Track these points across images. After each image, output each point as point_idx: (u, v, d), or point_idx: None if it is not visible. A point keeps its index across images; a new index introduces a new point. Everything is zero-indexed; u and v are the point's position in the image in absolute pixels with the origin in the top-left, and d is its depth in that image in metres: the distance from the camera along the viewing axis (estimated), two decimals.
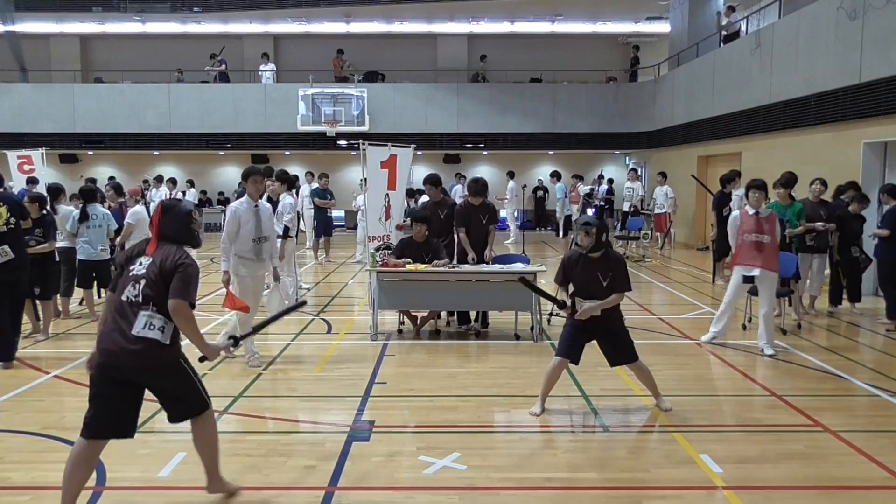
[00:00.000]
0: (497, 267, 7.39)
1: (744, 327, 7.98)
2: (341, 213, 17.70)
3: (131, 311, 3.35)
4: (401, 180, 8.41)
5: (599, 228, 4.91)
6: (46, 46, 23.18)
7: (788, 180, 8.98)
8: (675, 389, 5.67)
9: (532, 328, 7.44)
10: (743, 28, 15.42)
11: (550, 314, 8.16)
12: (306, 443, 4.62)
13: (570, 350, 5.04)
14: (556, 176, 18.04)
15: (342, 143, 19.72)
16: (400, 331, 7.81)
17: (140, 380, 3.41)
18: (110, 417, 3.37)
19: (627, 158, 22.68)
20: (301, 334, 7.78)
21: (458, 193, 16.53)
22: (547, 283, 10.14)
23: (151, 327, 3.33)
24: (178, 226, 3.51)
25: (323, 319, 8.57)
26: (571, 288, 5.08)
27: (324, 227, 14.30)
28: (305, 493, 3.88)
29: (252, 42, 23.20)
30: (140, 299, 3.34)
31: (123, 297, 3.38)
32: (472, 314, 7.89)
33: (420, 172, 19.78)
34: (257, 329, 4.20)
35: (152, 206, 15.04)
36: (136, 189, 9.72)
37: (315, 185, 14.36)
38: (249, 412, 5.22)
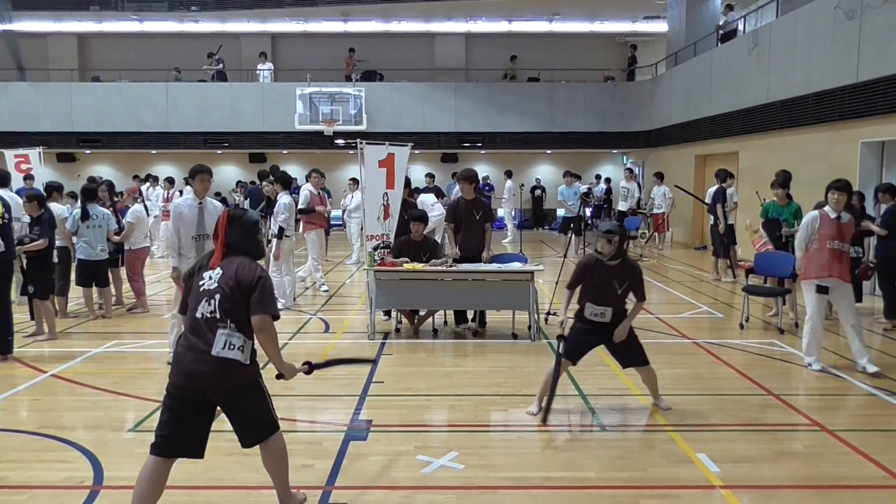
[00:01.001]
0: (494, 266, 7.39)
1: (741, 326, 7.99)
2: (339, 213, 17.66)
3: (208, 328, 3.19)
4: (399, 179, 8.40)
5: (622, 237, 4.90)
6: (44, 45, 23.13)
7: (785, 179, 8.98)
8: (672, 389, 5.68)
9: (529, 327, 7.44)
10: (740, 27, 15.43)
11: (548, 313, 8.16)
12: (304, 442, 4.61)
13: (575, 352, 5.02)
14: (571, 175, 17.99)
15: (340, 142, 19.72)
16: (398, 330, 7.81)
17: (219, 399, 3.29)
18: (184, 437, 3.26)
19: (625, 158, 22.69)
20: (298, 333, 7.78)
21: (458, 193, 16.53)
22: (544, 281, 10.17)
23: (231, 347, 3.19)
24: (245, 236, 3.35)
25: (320, 318, 8.56)
26: (576, 296, 5.09)
27: None
28: (302, 493, 3.87)
29: (250, 41, 23.17)
30: (217, 315, 3.19)
31: (198, 315, 3.22)
32: (470, 313, 7.89)
33: (418, 172, 19.84)
34: (333, 363, 4.03)
35: (149, 204, 15.05)
36: (135, 188, 9.72)
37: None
38: None
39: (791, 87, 11.94)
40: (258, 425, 3.37)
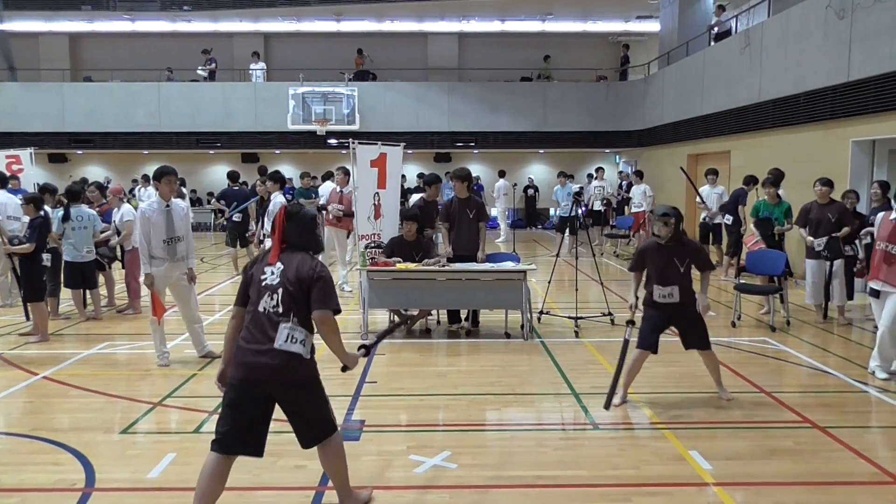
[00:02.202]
0: (487, 266, 7.39)
1: (733, 324, 8.02)
2: None
3: (270, 323, 3.23)
4: (392, 179, 8.39)
5: (678, 218, 5.10)
6: (35, 45, 23.01)
7: (776, 178, 9.02)
8: (664, 387, 5.70)
9: (522, 326, 7.45)
10: (732, 27, 15.48)
11: (541, 312, 8.18)
12: (296, 442, 4.58)
13: (652, 341, 5.18)
14: (565, 176, 18.04)
15: (332, 141, 19.68)
16: (390, 329, 7.79)
17: (278, 395, 3.31)
18: (245, 433, 3.28)
19: (618, 157, 22.74)
20: None
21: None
22: (537, 281, 10.18)
23: (293, 340, 3.23)
24: (303, 231, 3.39)
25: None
26: (643, 279, 5.31)
27: None
28: (295, 493, 3.88)
29: (242, 41, 23.11)
30: (280, 309, 3.23)
31: (260, 308, 3.26)
32: (463, 313, 7.89)
33: (411, 171, 19.83)
34: (380, 338, 4.03)
35: (142, 204, 14.98)
36: (118, 188, 9.66)
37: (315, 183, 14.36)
38: None
39: (782, 86, 11.99)
40: (318, 424, 3.39)
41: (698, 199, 11.66)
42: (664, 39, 18.98)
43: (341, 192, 9.98)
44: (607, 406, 5.11)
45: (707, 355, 5.34)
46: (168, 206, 6.19)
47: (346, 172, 9.88)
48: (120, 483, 3.99)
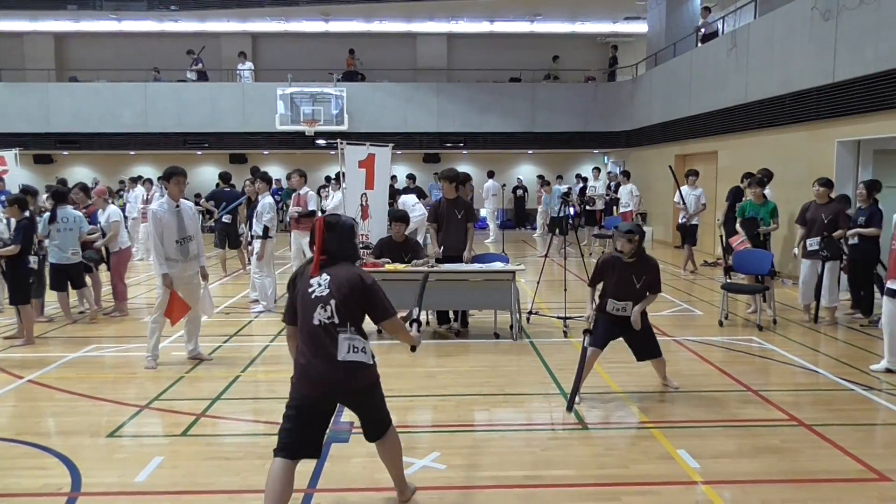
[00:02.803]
0: (475, 266, 7.40)
1: (720, 324, 8.07)
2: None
3: (328, 335, 3.26)
4: (380, 180, 8.38)
5: (641, 236, 5.24)
6: (20, 45, 22.80)
7: (762, 179, 9.08)
8: (653, 386, 5.72)
9: (511, 327, 7.46)
10: (719, 28, 15.58)
11: (530, 313, 8.19)
12: None
13: (602, 340, 5.33)
14: (546, 184, 18.20)
15: (321, 142, 19.61)
16: (379, 331, 7.77)
17: (345, 401, 3.45)
18: (309, 439, 3.35)
19: (606, 158, 22.83)
20: (280, 335, 7.73)
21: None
22: (526, 281, 10.20)
23: (355, 350, 3.29)
24: (343, 242, 3.41)
25: None
26: (599, 290, 5.42)
27: None
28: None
29: (230, 41, 23.00)
30: (336, 320, 3.26)
31: (315, 322, 3.26)
32: (452, 314, 7.89)
33: (400, 172, 19.81)
34: (419, 304, 4.01)
35: (128, 206, 14.88)
36: (102, 189, 9.59)
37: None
38: (227, 415, 5.18)
39: (769, 87, 12.09)
40: (381, 422, 3.53)
41: (676, 198, 11.73)
42: (652, 41, 19.08)
43: (298, 193, 9.96)
44: (570, 408, 5.14)
45: (658, 361, 5.54)
46: (178, 206, 6.22)
47: (302, 174, 9.93)
48: (107, 487, 3.96)
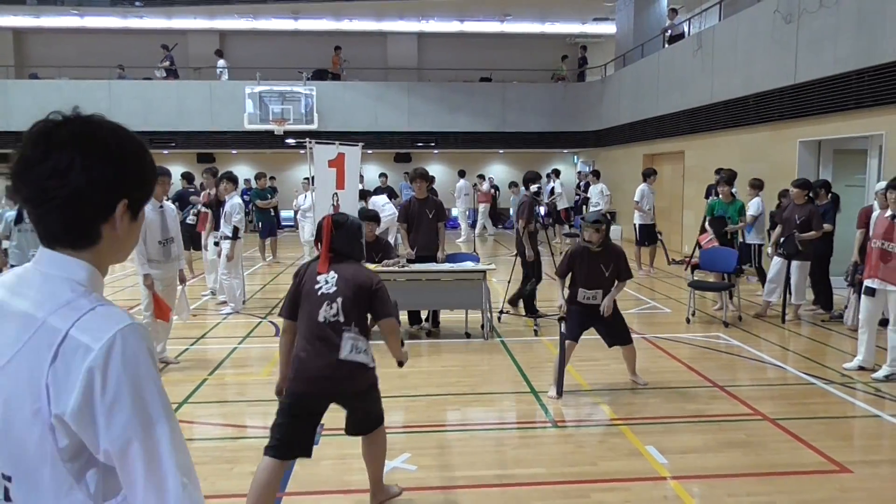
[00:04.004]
0: (447, 266, 7.40)
1: (687, 321, 8.20)
2: (290, 213, 17.49)
3: (333, 332, 3.23)
4: (350, 179, 8.33)
5: (607, 226, 5.43)
6: None
7: (730, 178, 9.25)
8: (621, 384, 5.79)
9: (483, 326, 7.48)
10: (685, 30, 15.82)
11: (501, 312, 8.22)
12: (254, 448, 4.51)
13: (576, 332, 5.45)
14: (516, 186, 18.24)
15: (290, 141, 19.44)
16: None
17: (341, 401, 3.38)
18: (300, 439, 3.29)
19: (576, 157, 23.03)
20: (248, 337, 7.64)
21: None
22: (497, 280, 10.23)
23: (358, 350, 3.26)
24: (351, 240, 3.42)
25: (271, 322, 8.43)
26: (567, 280, 5.58)
27: (269, 227, 14.12)
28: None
29: (197, 38, 22.66)
30: (341, 318, 3.25)
31: (320, 319, 3.24)
32: (423, 313, 7.88)
33: (371, 171, 19.73)
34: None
35: None
36: None
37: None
38: (194, 419, 5.10)
39: (733, 88, 12.31)
40: (373, 419, 3.51)
41: (637, 198, 11.86)
42: (620, 41, 19.29)
43: (208, 192, 9.87)
44: (560, 394, 5.27)
45: (628, 349, 5.66)
46: (161, 206, 6.19)
47: (214, 173, 9.91)
48: None
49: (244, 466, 4.20)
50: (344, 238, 3.38)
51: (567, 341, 5.44)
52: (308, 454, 3.36)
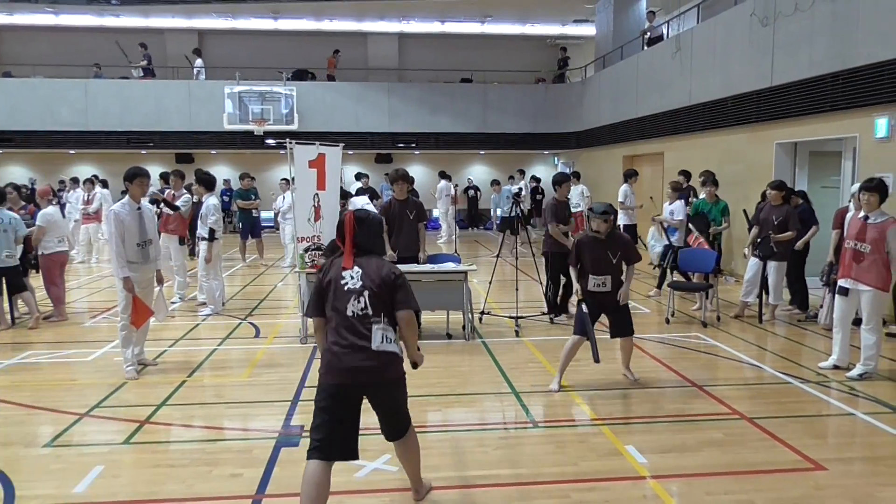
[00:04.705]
0: (427, 267, 7.39)
1: (667, 321, 8.26)
2: (271, 214, 17.36)
3: (363, 325, 3.32)
4: (331, 180, 8.28)
5: (615, 216, 5.63)
6: None
7: (715, 178, 9.36)
8: (601, 384, 5.82)
9: (464, 327, 7.48)
10: (664, 32, 15.96)
11: (482, 313, 8.23)
12: (233, 450, 4.49)
13: (587, 328, 5.50)
14: (497, 183, 18.31)
15: (270, 142, 19.32)
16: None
17: (374, 394, 3.41)
18: (344, 439, 3.33)
19: (556, 158, 23.13)
20: (228, 339, 7.57)
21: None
22: (479, 281, 10.24)
23: (388, 340, 3.35)
24: (372, 236, 3.50)
25: (251, 323, 8.36)
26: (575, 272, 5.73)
27: (249, 228, 14.01)
28: (231, 503, 3.78)
29: (175, 37, 22.42)
30: (370, 311, 3.33)
31: (349, 313, 3.32)
32: None
33: (351, 172, 19.64)
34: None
35: (68, 207, 14.35)
36: (46, 189, 9.21)
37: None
38: (172, 421, 5.04)
39: (712, 90, 12.44)
40: (402, 418, 3.55)
41: (621, 199, 11.95)
42: (600, 43, 19.42)
43: (175, 195, 9.70)
44: (597, 359, 5.39)
45: (627, 340, 5.82)
46: (139, 208, 6.10)
47: (181, 175, 9.87)
48: (42, 499, 3.80)
49: (223, 469, 4.16)
50: (366, 233, 3.46)
51: (575, 337, 5.58)
52: (354, 456, 3.38)
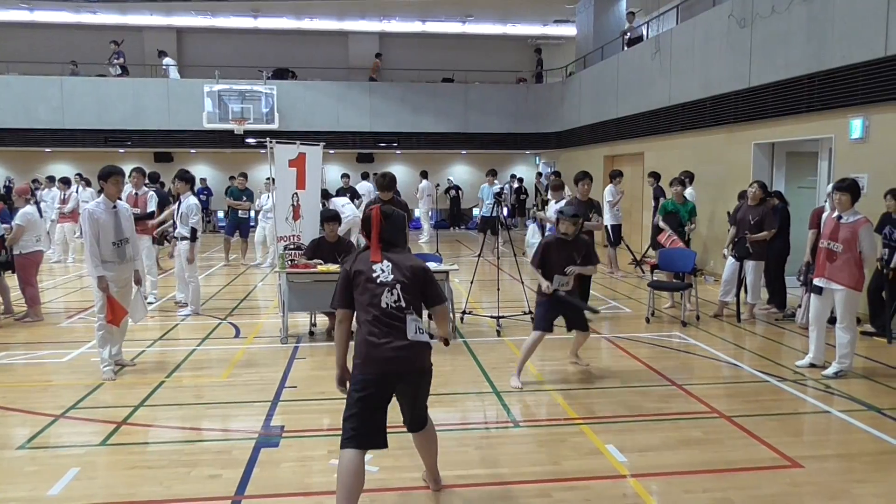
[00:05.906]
0: None
1: (647, 320, 8.33)
2: (252, 214, 17.18)
3: (397, 316, 3.41)
4: (311, 179, 8.24)
5: (584, 219, 5.96)
6: None
7: (683, 179, 9.45)
8: (582, 382, 5.85)
9: None
10: (644, 33, 16.08)
11: (464, 313, 8.23)
12: (212, 451, 4.44)
13: (548, 323, 5.81)
14: (493, 175, 18.21)
15: (251, 141, 19.16)
16: (311, 333, 7.67)
17: (408, 383, 3.51)
18: (377, 428, 3.42)
19: (537, 158, 23.22)
20: (207, 339, 7.50)
21: (372, 193, 16.40)
22: (460, 281, 10.24)
23: (420, 331, 3.46)
24: (397, 231, 3.59)
25: (230, 323, 8.29)
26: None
27: (234, 226, 13.88)
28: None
29: (153, 35, 22.17)
30: (403, 303, 3.44)
31: (383, 305, 3.41)
32: None
33: (333, 172, 19.57)
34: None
35: (43, 205, 14.11)
36: (25, 188, 9.07)
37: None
38: (151, 422, 4.98)
39: (691, 90, 12.55)
40: (424, 411, 3.69)
41: (608, 199, 12.03)
42: (580, 43, 19.52)
43: (136, 193, 9.41)
44: (595, 310, 5.99)
45: (583, 335, 6.12)
46: (115, 206, 6.03)
47: (142, 172, 9.53)
48: (16, 502, 3.73)
49: (202, 470, 4.12)
50: (392, 228, 3.56)
51: (536, 333, 5.77)
52: (384, 444, 3.45)
